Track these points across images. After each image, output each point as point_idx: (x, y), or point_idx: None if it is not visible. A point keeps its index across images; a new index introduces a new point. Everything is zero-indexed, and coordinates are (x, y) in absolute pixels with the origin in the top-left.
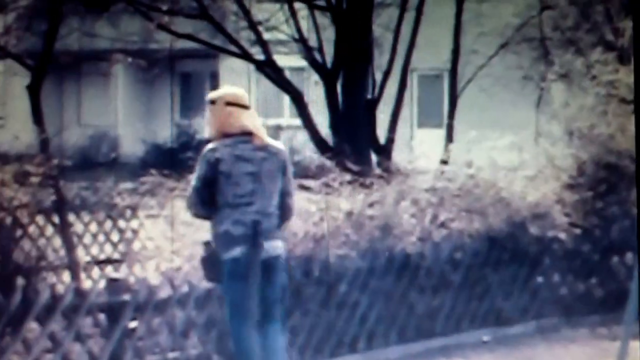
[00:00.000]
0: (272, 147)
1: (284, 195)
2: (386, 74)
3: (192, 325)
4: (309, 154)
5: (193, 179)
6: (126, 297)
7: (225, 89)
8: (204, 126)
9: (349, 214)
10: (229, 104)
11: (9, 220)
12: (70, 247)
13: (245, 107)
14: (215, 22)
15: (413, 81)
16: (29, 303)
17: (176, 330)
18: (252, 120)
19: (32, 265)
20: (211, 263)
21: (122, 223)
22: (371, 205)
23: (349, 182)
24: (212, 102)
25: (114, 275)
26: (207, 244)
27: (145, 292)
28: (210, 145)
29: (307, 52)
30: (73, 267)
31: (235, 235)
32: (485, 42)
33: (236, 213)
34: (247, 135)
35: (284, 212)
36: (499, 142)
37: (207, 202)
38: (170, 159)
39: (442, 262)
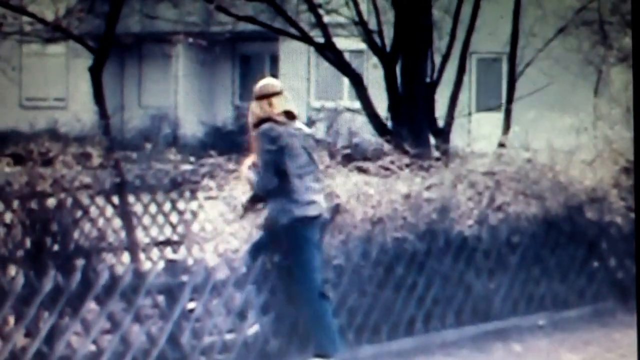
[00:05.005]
0: (302, 126)
1: None
2: (445, 58)
3: (250, 306)
4: (368, 136)
5: (260, 159)
6: (184, 278)
7: (265, 81)
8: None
9: (407, 196)
10: (272, 94)
11: (69, 201)
12: (129, 228)
13: (281, 93)
14: (276, 5)
15: (472, 64)
16: (88, 284)
17: (234, 312)
18: (290, 104)
19: (92, 246)
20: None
21: (181, 204)
22: (429, 188)
23: (407, 165)
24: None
25: (173, 256)
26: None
27: (203, 274)
28: (266, 125)
29: (367, 35)
30: (132, 248)
31: (309, 200)
32: (545, 25)
33: (305, 181)
34: (289, 116)
35: None
36: (557, 125)
37: (275, 175)
38: (229, 141)
39: (499, 245)
